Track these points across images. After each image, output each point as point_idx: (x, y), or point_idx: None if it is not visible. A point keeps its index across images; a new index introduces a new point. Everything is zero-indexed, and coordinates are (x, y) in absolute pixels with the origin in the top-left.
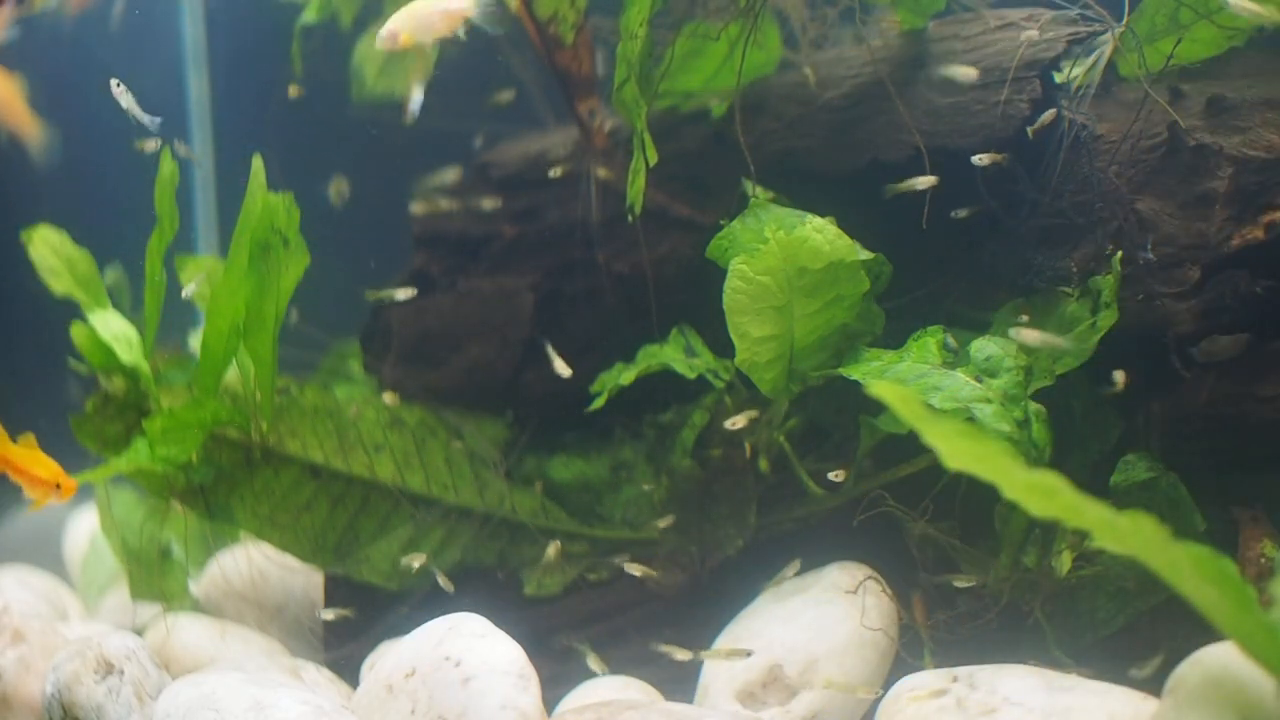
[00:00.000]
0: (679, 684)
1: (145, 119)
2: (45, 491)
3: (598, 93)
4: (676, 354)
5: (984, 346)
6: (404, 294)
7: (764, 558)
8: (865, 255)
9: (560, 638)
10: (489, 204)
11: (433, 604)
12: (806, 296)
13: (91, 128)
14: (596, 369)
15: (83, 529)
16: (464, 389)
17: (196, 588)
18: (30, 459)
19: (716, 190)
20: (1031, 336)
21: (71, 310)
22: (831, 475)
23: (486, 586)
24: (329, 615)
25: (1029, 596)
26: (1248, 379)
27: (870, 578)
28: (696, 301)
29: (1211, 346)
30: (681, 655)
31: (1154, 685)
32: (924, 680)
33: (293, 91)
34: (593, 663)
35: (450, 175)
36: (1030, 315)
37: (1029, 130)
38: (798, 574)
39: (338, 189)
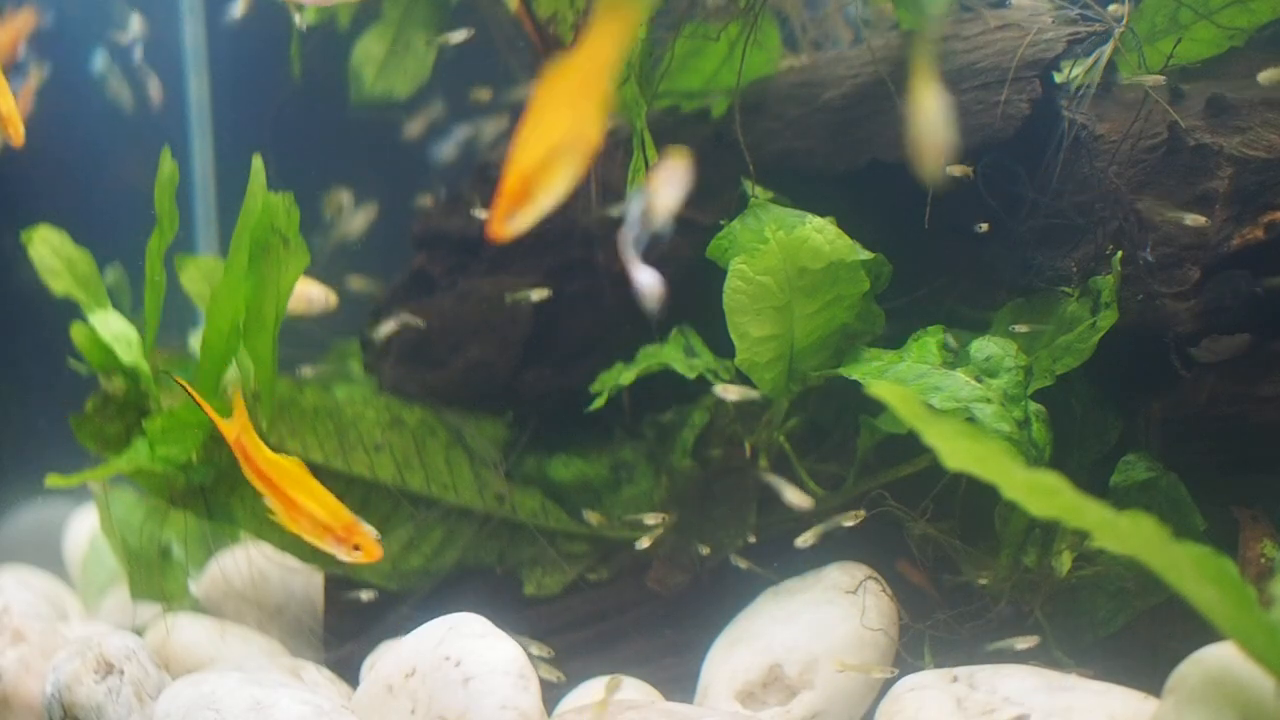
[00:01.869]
0: (679, 684)
1: None
2: (325, 539)
3: None
4: (676, 354)
5: (984, 346)
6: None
7: (764, 558)
8: (865, 255)
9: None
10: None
11: (433, 604)
12: (806, 296)
13: (92, 128)
14: (596, 369)
15: (83, 529)
16: (464, 389)
17: (196, 588)
18: (305, 490)
19: (716, 190)
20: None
21: (72, 310)
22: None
23: (486, 586)
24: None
25: (1029, 596)
26: (1248, 379)
27: (870, 578)
28: (696, 301)
29: (1212, 346)
30: None
31: (1154, 685)
32: (924, 680)
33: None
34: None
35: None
36: (1030, 315)
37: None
38: (798, 574)
39: (335, 203)
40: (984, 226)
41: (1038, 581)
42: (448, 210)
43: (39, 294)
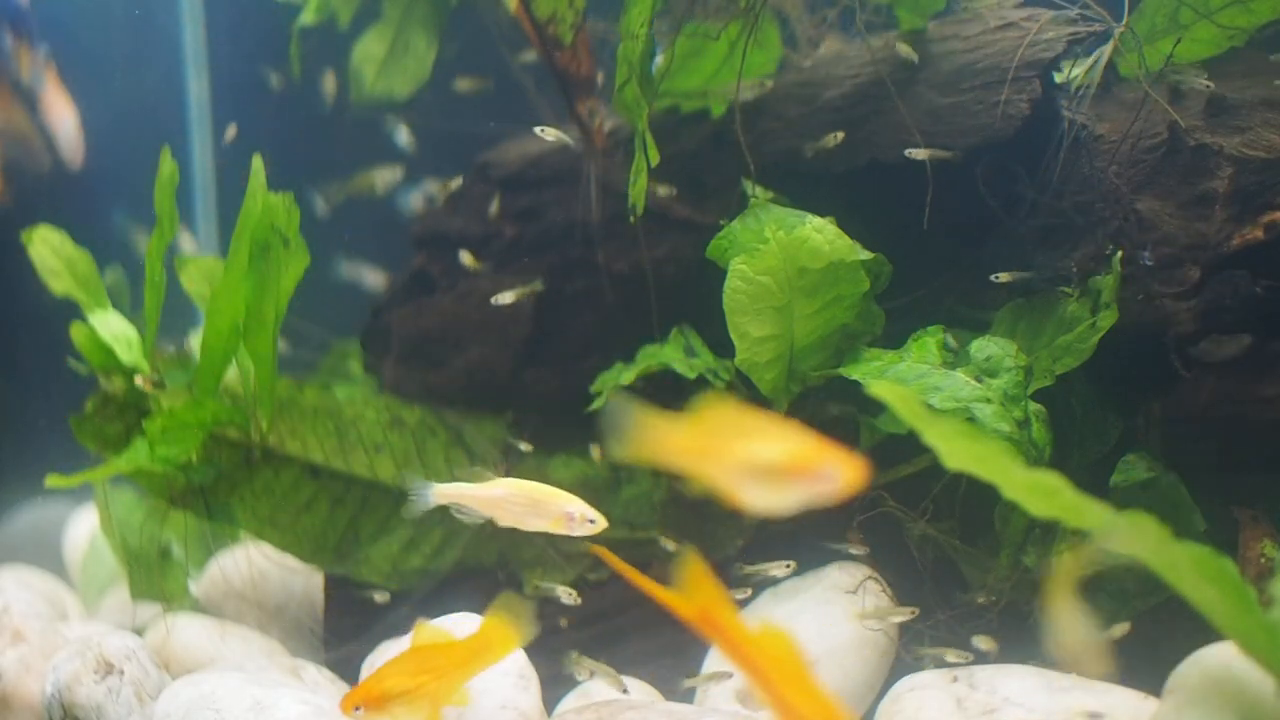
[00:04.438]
0: (679, 684)
1: None
2: None
3: (597, 93)
4: (676, 354)
5: (984, 346)
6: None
7: (764, 558)
8: (865, 255)
9: (570, 656)
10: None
11: (433, 604)
12: (806, 296)
13: (93, 127)
14: (596, 369)
15: (83, 529)
16: (464, 389)
17: (196, 588)
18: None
19: (716, 190)
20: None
21: (72, 310)
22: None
23: (486, 586)
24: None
25: (1029, 596)
26: (1248, 379)
27: (870, 578)
28: (696, 301)
29: (1212, 347)
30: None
31: (1154, 685)
32: (924, 680)
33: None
34: (580, 670)
35: None
36: (1030, 315)
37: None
38: (798, 574)
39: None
40: (934, 219)
41: (1038, 581)
42: (448, 210)
43: (39, 294)
